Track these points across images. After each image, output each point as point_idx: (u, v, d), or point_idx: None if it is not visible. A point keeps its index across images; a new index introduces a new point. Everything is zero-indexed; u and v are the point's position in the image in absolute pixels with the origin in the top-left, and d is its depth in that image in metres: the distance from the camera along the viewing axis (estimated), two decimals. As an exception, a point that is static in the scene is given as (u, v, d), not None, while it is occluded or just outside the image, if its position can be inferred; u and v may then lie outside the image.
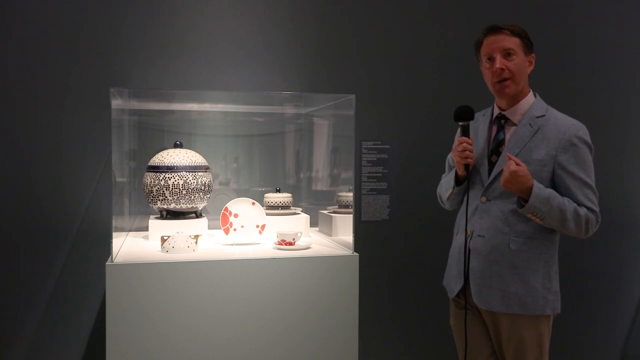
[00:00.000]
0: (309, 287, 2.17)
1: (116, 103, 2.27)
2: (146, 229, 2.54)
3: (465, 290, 2.03)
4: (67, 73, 2.58)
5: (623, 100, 3.32)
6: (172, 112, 2.86)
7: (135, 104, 2.75)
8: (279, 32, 2.82)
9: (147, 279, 2.02)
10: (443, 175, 2.25)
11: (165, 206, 2.46)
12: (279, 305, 2.14)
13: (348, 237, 2.37)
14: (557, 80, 3.17)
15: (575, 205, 1.89)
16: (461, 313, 2.09)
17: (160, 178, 2.44)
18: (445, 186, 2.15)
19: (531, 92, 2.04)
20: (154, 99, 2.79)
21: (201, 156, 2.56)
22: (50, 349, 2.60)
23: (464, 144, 1.97)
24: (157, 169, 2.46)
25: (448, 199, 2.13)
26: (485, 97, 2.18)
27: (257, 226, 2.44)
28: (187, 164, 2.47)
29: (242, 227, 2.43)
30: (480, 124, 2.10)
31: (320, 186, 3.03)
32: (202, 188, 2.49)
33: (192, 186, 2.45)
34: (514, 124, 2.00)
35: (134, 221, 2.74)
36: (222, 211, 2.41)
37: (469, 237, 2.01)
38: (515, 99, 2.00)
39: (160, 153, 2.52)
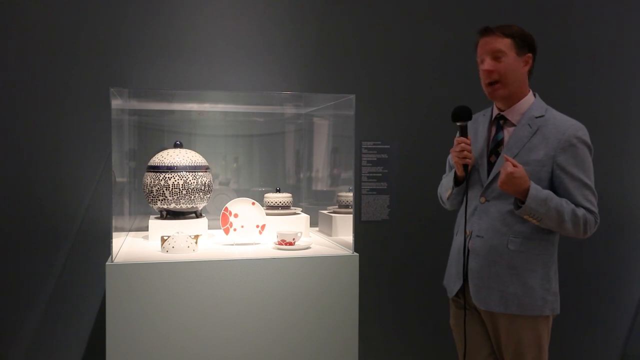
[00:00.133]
0: (309, 287, 2.17)
1: (116, 103, 2.28)
2: (146, 229, 2.54)
3: (464, 290, 2.03)
4: (67, 73, 2.58)
5: (623, 100, 3.32)
6: (172, 112, 2.86)
7: (135, 104, 2.76)
8: (279, 32, 2.82)
9: (147, 279, 2.02)
10: (444, 176, 2.25)
11: (165, 206, 2.46)
12: (279, 305, 2.14)
13: (348, 237, 2.37)
14: (557, 80, 3.17)
15: (573, 206, 1.88)
16: (461, 313, 2.09)
17: (160, 178, 2.44)
18: (446, 186, 2.15)
19: (531, 92, 2.02)
20: (154, 99, 2.79)
21: (201, 156, 2.56)
22: (50, 349, 2.60)
23: (462, 144, 1.97)
24: (157, 169, 2.46)
25: (448, 199, 2.13)
26: (485, 97, 2.17)
27: (257, 226, 2.45)
28: (187, 164, 2.47)
29: (242, 227, 2.43)
30: (480, 124, 2.10)
31: (320, 186, 3.03)
32: (202, 188, 2.49)
33: (192, 186, 2.46)
34: (513, 125, 2.00)
35: (134, 221, 2.75)
36: (222, 211, 2.41)
37: (468, 238, 2.01)
38: (512, 99, 1.99)
39: (160, 153, 2.52)
